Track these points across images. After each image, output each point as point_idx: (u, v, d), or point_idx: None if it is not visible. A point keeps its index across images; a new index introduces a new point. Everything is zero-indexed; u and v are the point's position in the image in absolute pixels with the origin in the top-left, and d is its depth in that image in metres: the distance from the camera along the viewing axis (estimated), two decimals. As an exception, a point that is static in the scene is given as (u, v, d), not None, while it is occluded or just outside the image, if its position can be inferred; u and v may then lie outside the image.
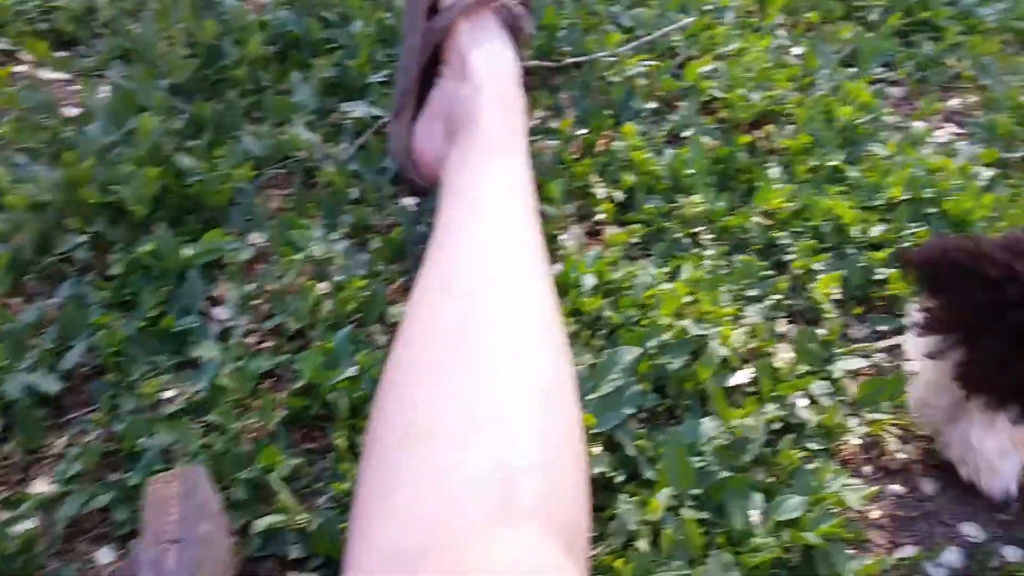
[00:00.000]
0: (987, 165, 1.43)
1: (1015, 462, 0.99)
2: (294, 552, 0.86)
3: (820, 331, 1.15)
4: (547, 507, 0.68)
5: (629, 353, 1.00)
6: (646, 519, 0.87)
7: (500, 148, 1.04)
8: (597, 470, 0.93)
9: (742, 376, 1.07)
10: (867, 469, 1.04)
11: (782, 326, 1.16)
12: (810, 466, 0.97)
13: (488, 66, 1.12)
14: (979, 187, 1.33)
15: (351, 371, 0.95)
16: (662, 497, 0.88)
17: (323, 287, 1.08)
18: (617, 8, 1.68)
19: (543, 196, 1.24)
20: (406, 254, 1.14)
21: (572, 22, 1.60)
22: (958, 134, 1.55)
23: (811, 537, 0.86)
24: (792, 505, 0.90)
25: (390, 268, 1.12)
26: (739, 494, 0.91)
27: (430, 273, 0.89)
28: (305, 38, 1.45)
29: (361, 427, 0.93)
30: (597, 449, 0.97)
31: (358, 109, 1.31)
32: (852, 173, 1.35)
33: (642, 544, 0.85)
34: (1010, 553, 0.96)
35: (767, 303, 1.18)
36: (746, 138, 1.38)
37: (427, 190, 1.20)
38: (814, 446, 1.02)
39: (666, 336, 1.05)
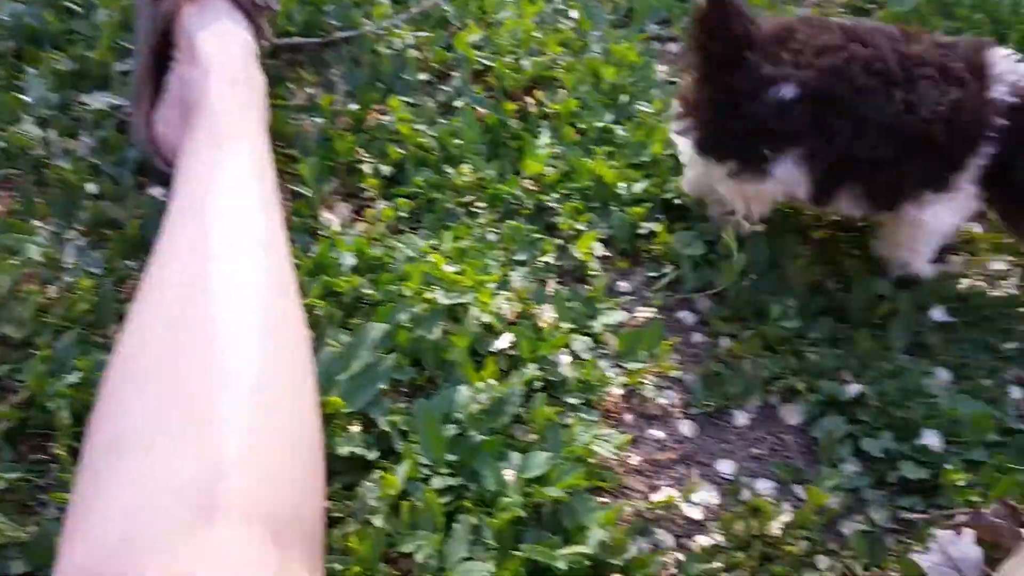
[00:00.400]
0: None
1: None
2: (16, 568, 0.81)
3: (586, 288, 1.17)
4: (253, 502, 0.68)
5: (376, 329, 0.98)
6: (388, 493, 0.85)
7: (230, 132, 1.00)
8: (347, 449, 0.91)
9: (504, 341, 1.06)
10: (628, 418, 1.06)
11: (551, 287, 1.17)
12: (567, 421, 0.99)
13: (216, 48, 1.07)
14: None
15: (73, 378, 0.89)
16: (402, 470, 0.87)
17: (52, 291, 1.01)
18: (389, -20, 1.65)
19: (299, 176, 1.21)
20: (149, 247, 1.08)
21: (341, -5, 1.56)
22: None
23: (553, 491, 0.87)
24: (538, 462, 0.90)
25: (127, 264, 1.06)
26: (492, 457, 0.91)
27: (151, 271, 0.86)
28: (43, 31, 1.35)
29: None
30: (355, 428, 0.95)
31: (98, 101, 1.24)
32: (620, 132, 1.37)
33: (378, 520, 0.83)
34: (761, 486, 1.00)
35: (535, 266, 1.19)
36: (512, 105, 1.38)
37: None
38: (574, 401, 1.03)
39: (417, 308, 1.03)
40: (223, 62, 1.06)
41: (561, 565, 0.82)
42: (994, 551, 0.91)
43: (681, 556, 0.91)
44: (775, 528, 0.93)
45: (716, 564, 0.90)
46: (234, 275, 0.83)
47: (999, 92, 1.08)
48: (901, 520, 0.97)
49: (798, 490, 1.00)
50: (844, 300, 1.17)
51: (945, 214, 1.14)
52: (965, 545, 0.90)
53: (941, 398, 1.07)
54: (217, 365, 0.75)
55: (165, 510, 0.66)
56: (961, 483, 0.97)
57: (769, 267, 1.19)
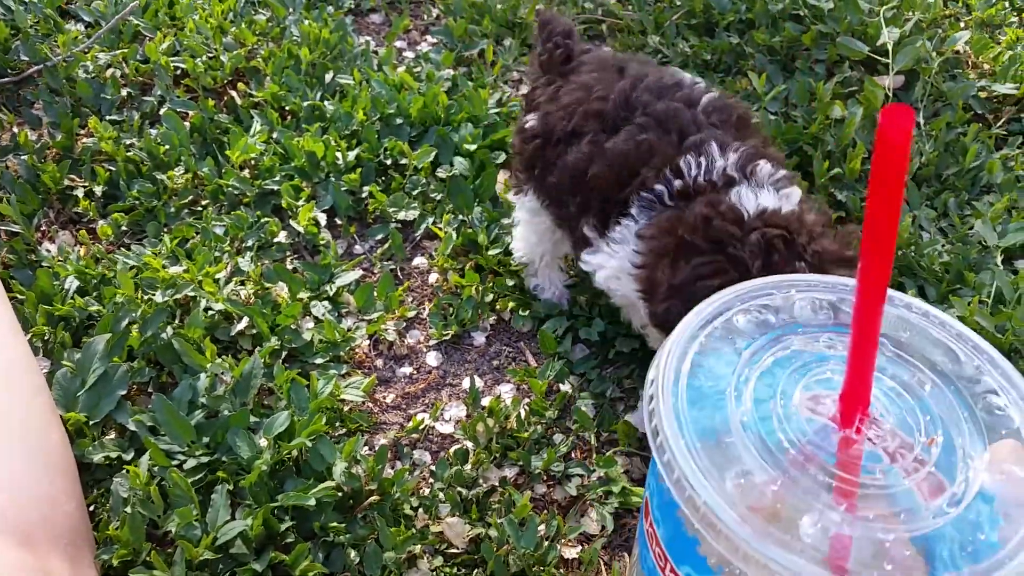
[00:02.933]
0: (451, 67, 1.59)
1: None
2: None
3: (319, 257, 1.24)
4: (43, 527, 0.72)
5: (100, 340, 1.01)
6: (135, 483, 0.89)
7: None
8: (101, 456, 0.93)
9: (242, 323, 1.11)
10: (379, 363, 1.14)
11: (289, 265, 1.22)
12: (319, 378, 1.05)
13: None
14: (441, 89, 1.47)
15: None
16: (144, 461, 0.91)
17: None
18: (75, 5, 1.62)
19: (7, 216, 1.19)
20: None
21: (25, 30, 1.52)
22: (433, 44, 1.70)
23: (295, 442, 0.94)
24: (280, 420, 0.96)
25: None
26: (243, 428, 0.96)
27: None
28: None
29: None
30: (109, 436, 0.97)
31: None
32: (328, 107, 1.44)
33: (131, 509, 0.87)
34: (502, 389, 1.11)
35: (268, 249, 1.24)
36: (211, 103, 1.41)
37: None
38: (321, 360, 1.10)
39: (138, 312, 1.06)
40: None
41: (311, 502, 0.89)
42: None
43: (434, 467, 1.00)
44: (512, 422, 1.04)
45: (466, 467, 1.00)
46: None
47: None
48: (624, 388, 1.11)
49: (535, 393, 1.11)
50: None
51: None
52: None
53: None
54: None
55: None
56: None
57: (477, 202, 1.30)
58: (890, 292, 0.55)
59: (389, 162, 1.36)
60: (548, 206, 1.09)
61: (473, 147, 1.36)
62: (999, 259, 1.22)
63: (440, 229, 1.26)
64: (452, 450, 1.02)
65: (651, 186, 0.93)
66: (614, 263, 0.98)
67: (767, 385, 0.53)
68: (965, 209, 1.33)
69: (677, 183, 0.93)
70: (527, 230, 1.16)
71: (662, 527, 0.56)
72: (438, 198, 1.31)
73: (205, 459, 0.94)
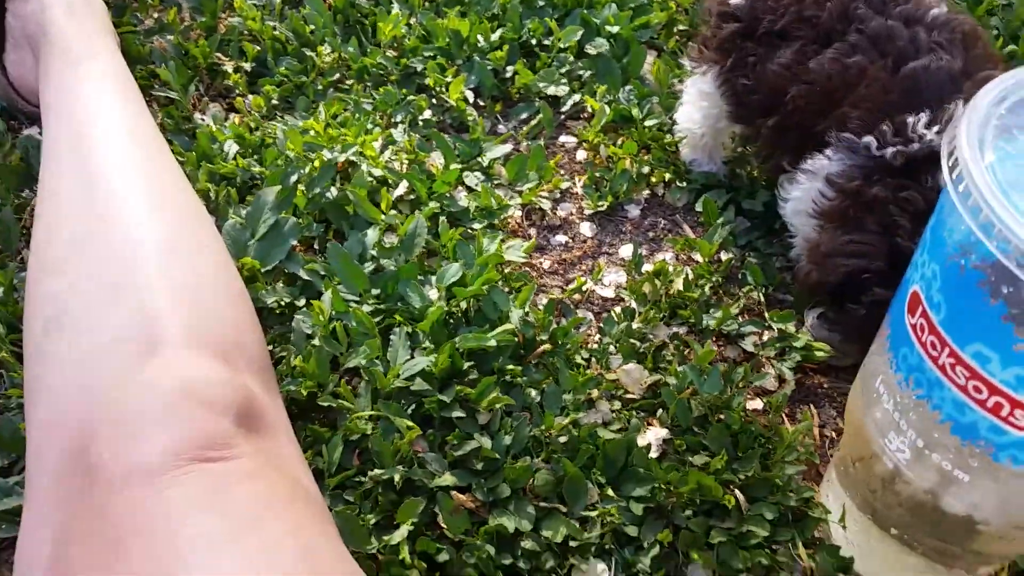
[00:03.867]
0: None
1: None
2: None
3: (467, 134, 1.22)
4: (193, 333, 0.72)
5: (270, 192, 1.01)
6: (319, 320, 0.90)
7: (79, 55, 1.01)
8: (273, 300, 0.94)
9: (401, 188, 1.11)
10: (532, 232, 1.13)
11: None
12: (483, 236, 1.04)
13: None
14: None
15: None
16: (327, 298, 0.91)
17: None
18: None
19: (164, 83, 1.21)
20: (35, 178, 1.08)
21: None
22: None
23: (471, 289, 0.93)
24: (453, 271, 0.96)
25: (21, 196, 1.06)
26: (413, 280, 0.96)
27: (45, 184, 0.88)
28: None
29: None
30: (279, 283, 0.98)
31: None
32: (467, -9, 1.42)
33: (317, 340, 0.88)
34: (661, 257, 1.09)
35: (415, 123, 1.23)
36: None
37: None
38: (478, 226, 1.09)
39: (307, 169, 1.07)
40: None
41: (491, 343, 0.88)
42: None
43: (601, 324, 0.99)
44: (678, 284, 1.02)
45: (634, 324, 0.98)
46: (116, 164, 0.86)
47: None
48: (791, 259, 1.08)
49: (697, 257, 1.08)
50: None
51: None
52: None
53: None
54: (124, 240, 0.78)
55: (112, 355, 0.69)
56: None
57: (624, 82, 1.27)
58: None
59: (533, 42, 1.34)
60: (730, 99, 1.04)
61: (615, 28, 1.32)
62: None
63: (594, 100, 1.23)
64: (618, 309, 1.00)
65: (856, 130, 0.85)
66: (798, 194, 0.93)
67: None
68: None
69: (891, 150, 0.82)
70: (693, 110, 1.13)
71: (945, 308, 0.53)
72: (584, 76, 1.29)
73: (381, 306, 0.94)
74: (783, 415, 0.90)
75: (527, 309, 0.96)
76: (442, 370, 0.87)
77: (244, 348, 0.77)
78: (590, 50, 1.31)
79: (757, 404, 0.90)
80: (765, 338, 0.97)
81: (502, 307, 0.94)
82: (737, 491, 0.80)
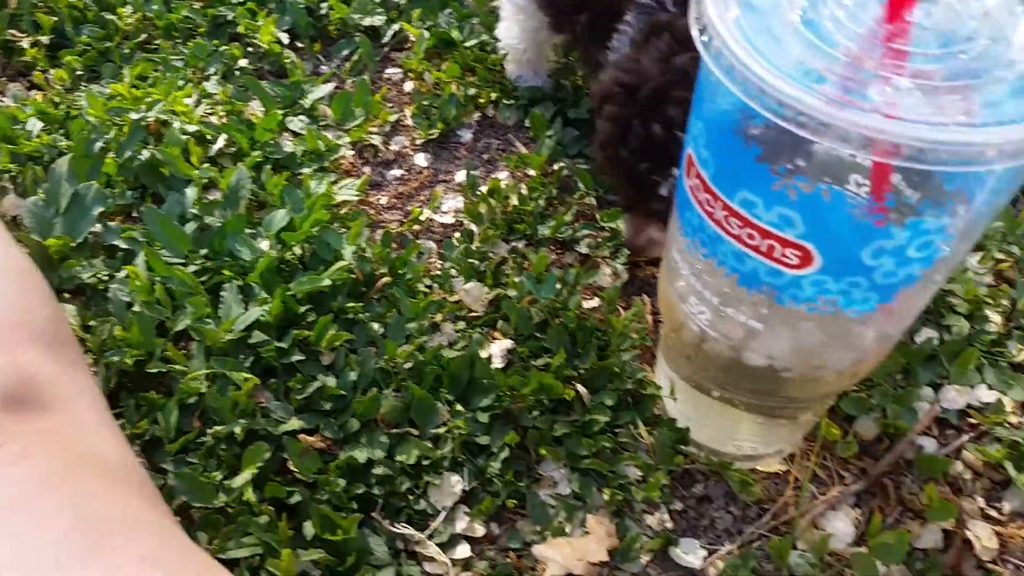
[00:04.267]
0: None
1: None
2: None
3: (287, 79, 1.19)
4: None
5: (62, 163, 0.96)
6: (136, 285, 0.86)
7: None
8: (89, 275, 0.90)
9: (220, 141, 1.07)
10: (367, 170, 1.11)
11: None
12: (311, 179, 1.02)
13: None
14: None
15: None
16: (140, 261, 0.88)
17: None
18: None
19: (-52, 65, 1.13)
20: None
21: None
22: None
23: (300, 234, 0.91)
24: (279, 217, 0.94)
25: None
26: (240, 233, 0.94)
27: None
28: None
29: None
30: (98, 260, 0.94)
31: None
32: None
33: (137, 307, 0.85)
34: (498, 176, 1.09)
35: (231, 73, 1.18)
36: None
37: None
38: (307, 171, 1.06)
39: (112, 133, 1.02)
40: None
41: (325, 283, 0.87)
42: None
43: (442, 251, 0.99)
44: (514, 200, 1.02)
45: (473, 245, 0.98)
46: None
47: None
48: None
49: (531, 172, 1.09)
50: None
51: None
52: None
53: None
54: None
55: None
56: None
57: (442, 6, 1.26)
58: None
59: (343, -24, 1.30)
60: (542, 5, 1.04)
61: (428, -47, 1.30)
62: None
63: (412, 27, 1.21)
64: (457, 234, 1.00)
65: None
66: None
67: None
68: None
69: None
70: (511, 25, 1.12)
71: (712, 164, 0.55)
72: (402, 4, 1.26)
73: (209, 264, 0.92)
74: (618, 307, 0.92)
75: (364, 245, 0.95)
76: (277, 317, 0.85)
77: (25, 326, 0.73)
78: (402, -21, 1.28)
79: (595, 303, 0.92)
80: (600, 238, 0.99)
81: (335, 247, 0.92)
82: (578, 385, 0.83)
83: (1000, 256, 0.95)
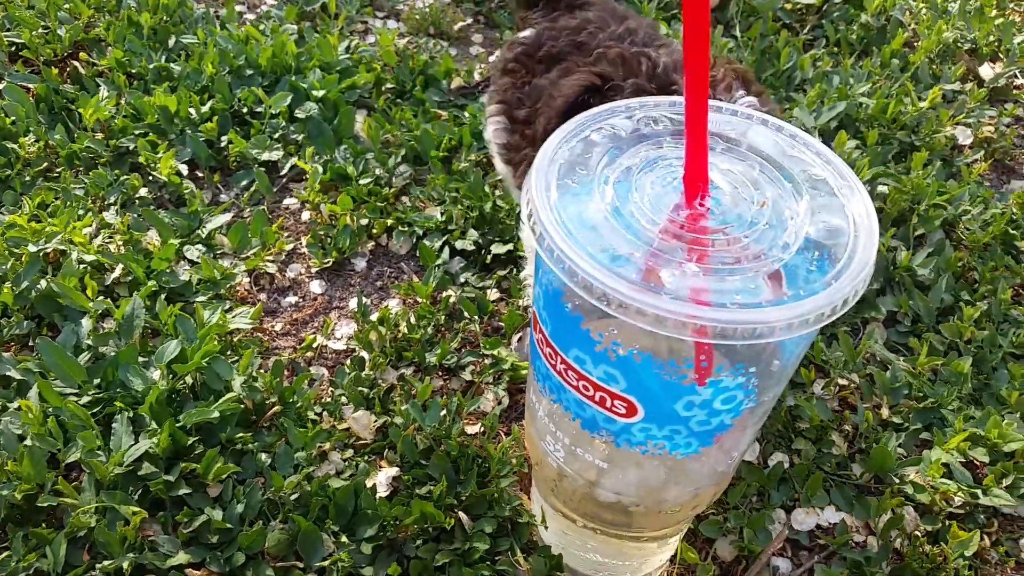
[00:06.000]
0: (294, 21, 1.61)
1: None
2: None
3: (186, 208, 1.23)
4: None
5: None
6: (28, 418, 0.88)
7: None
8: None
9: (116, 271, 1.10)
10: (263, 297, 1.16)
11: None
12: (204, 309, 1.06)
13: None
14: (290, 39, 1.48)
15: None
16: (33, 394, 0.90)
17: None
18: None
19: None
20: None
21: None
22: (273, 3, 1.71)
23: (190, 365, 0.95)
24: (171, 348, 0.97)
25: None
26: (133, 363, 0.96)
27: None
28: None
29: None
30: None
31: None
32: (176, 67, 1.43)
33: (29, 440, 0.86)
34: (388, 304, 1.15)
35: (131, 202, 1.22)
36: (55, 71, 1.38)
37: None
38: (203, 299, 1.10)
39: (8, 265, 1.04)
40: None
41: (214, 415, 0.91)
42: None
43: (333, 378, 1.04)
44: (403, 328, 1.08)
45: (364, 372, 1.03)
46: None
47: None
48: (503, 288, 1.18)
49: (421, 301, 1.16)
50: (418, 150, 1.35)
51: None
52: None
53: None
54: None
55: None
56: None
57: (338, 142, 1.34)
58: (717, 103, 0.64)
59: (244, 110, 1.37)
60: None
61: (322, 92, 1.38)
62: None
63: (304, 163, 1.28)
64: (348, 360, 1.05)
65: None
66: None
67: (623, 181, 0.60)
68: (784, 104, 1.47)
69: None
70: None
71: (549, 324, 0.63)
72: (299, 139, 1.34)
73: (102, 395, 0.94)
74: (500, 432, 0.98)
75: (255, 375, 0.99)
76: (165, 449, 0.88)
77: None
78: (300, 114, 1.36)
79: (478, 427, 0.98)
80: (483, 364, 1.06)
81: (225, 376, 0.96)
82: (460, 512, 0.87)
83: (843, 382, 1.06)
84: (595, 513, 0.75)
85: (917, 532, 0.90)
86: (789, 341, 0.57)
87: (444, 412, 0.97)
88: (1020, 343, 1.07)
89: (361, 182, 1.27)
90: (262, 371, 1.01)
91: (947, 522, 0.91)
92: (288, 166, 1.31)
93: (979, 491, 0.91)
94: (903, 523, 0.89)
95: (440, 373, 1.06)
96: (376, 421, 0.97)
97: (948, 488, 0.91)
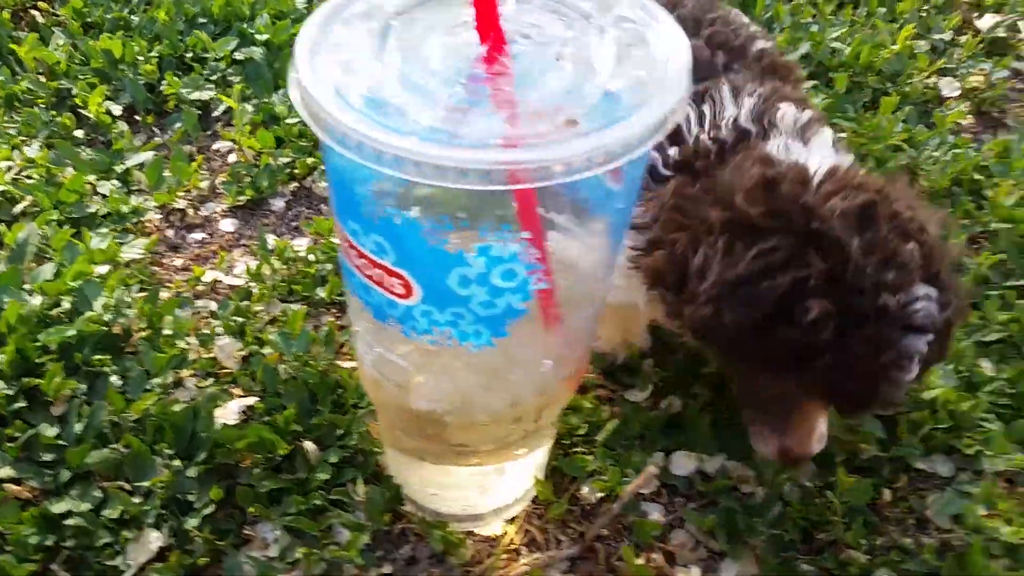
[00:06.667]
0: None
1: None
2: None
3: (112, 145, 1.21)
4: None
5: None
6: None
7: None
8: None
9: (24, 202, 1.09)
10: (170, 232, 1.12)
11: (85, 155, 1.19)
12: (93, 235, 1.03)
13: None
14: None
15: None
16: None
17: None
18: None
19: None
20: None
21: None
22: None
23: (58, 285, 0.91)
24: (46, 270, 0.95)
25: None
26: (12, 286, 0.93)
27: None
28: None
29: None
30: None
31: None
32: (134, 18, 1.42)
33: None
34: (298, 243, 1.10)
35: (62, 143, 1.21)
36: (7, 15, 1.39)
37: None
38: (105, 230, 1.07)
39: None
40: None
41: (71, 333, 0.87)
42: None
43: (216, 309, 0.99)
44: (300, 264, 1.03)
45: (243, 303, 0.98)
46: None
47: None
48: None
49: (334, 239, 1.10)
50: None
51: None
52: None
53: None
54: None
55: None
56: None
57: (276, 86, 1.30)
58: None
59: (190, 55, 1.35)
60: None
61: (265, 36, 1.35)
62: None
63: (232, 100, 1.24)
64: (233, 293, 1.01)
65: None
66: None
67: (408, 38, 0.53)
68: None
69: (672, 150, 0.71)
70: None
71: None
72: (236, 80, 1.30)
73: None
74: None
75: (127, 300, 0.95)
76: (12, 363, 0.84)
77: None
78: (240, 56, 1.33)
79: (354, 364, 0.92)
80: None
81: (91, 297, 0.92)
82: (307, 441, 0.81)
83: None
84: (417, 428, 0.67)
85: (809, 483, 0.79)
86: (571, 204, 0.50)
87: (311, 342, 0.91)
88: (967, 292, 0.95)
89: (290, 121, 1.22)
90: (139, 299, 0.97)
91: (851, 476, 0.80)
92: (222, 108, 1.27)
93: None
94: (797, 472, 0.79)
95: (331, 309, 1.00)
96: (242, 350, 0.92)
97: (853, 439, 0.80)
